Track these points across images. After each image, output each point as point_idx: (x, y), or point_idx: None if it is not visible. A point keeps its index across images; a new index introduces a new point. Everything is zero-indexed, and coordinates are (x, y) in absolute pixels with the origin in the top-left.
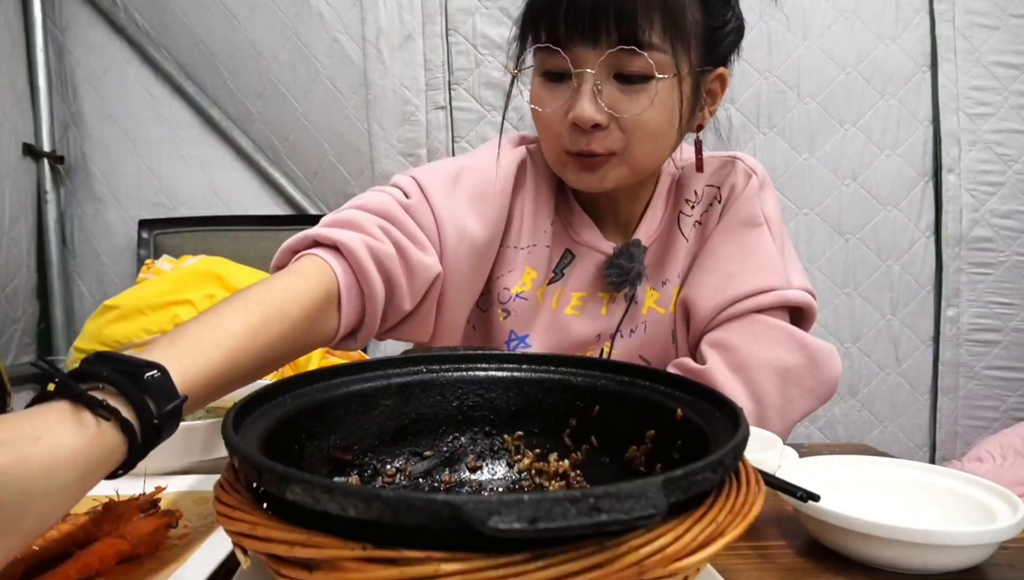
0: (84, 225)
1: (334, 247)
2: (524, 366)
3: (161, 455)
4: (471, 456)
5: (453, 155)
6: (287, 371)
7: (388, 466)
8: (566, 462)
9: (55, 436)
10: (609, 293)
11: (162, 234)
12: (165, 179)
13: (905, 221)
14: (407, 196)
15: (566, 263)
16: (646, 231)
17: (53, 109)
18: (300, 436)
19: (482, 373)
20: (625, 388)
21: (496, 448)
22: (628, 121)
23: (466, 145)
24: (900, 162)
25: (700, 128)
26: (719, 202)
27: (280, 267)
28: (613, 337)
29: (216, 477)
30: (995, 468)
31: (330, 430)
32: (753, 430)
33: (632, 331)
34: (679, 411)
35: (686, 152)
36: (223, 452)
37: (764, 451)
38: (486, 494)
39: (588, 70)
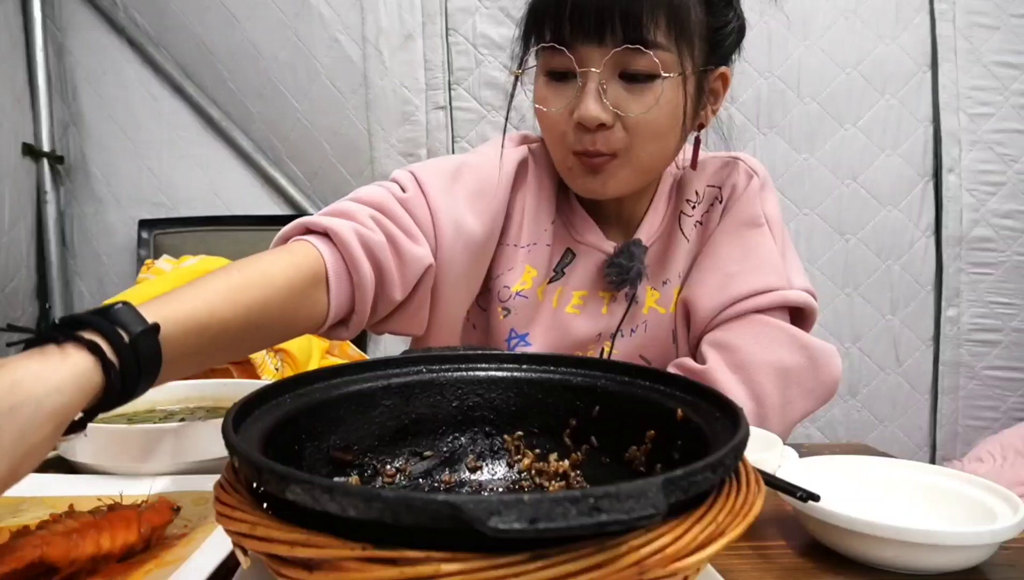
0: (84, 225)
1: (324, 234)
2: (524, 366)
3: (161, 455)
4: (471, 456)
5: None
6: (287, 372)
7: (388, 466)
8: (566, 462)
9: (15, 364)
10: (610, 292)
11: (162, 234)
12: (165, 179)
13: (905, 221)
14: (404, 190)
15: (567, 262)
16: (647, 231)
17: (53, 109)
18: (300, 436)
19: (482, 373)
20: (625, 388)
21: (496, 448)
22: (633, 120)
23: (466, 145)
24: (900, 162)
25: (702, 127)
26: (720, 202)
27: None
28: (614, 336)
29: (216, 477)
30: (995, 468)
31: (330, 430)
32: (753, 430)
33: (633, 331)
34: (679, 411)
35: (688, 152)
36: (223, 452)
37: (764, 451)
38: (486, 494)
39: (593, 69)
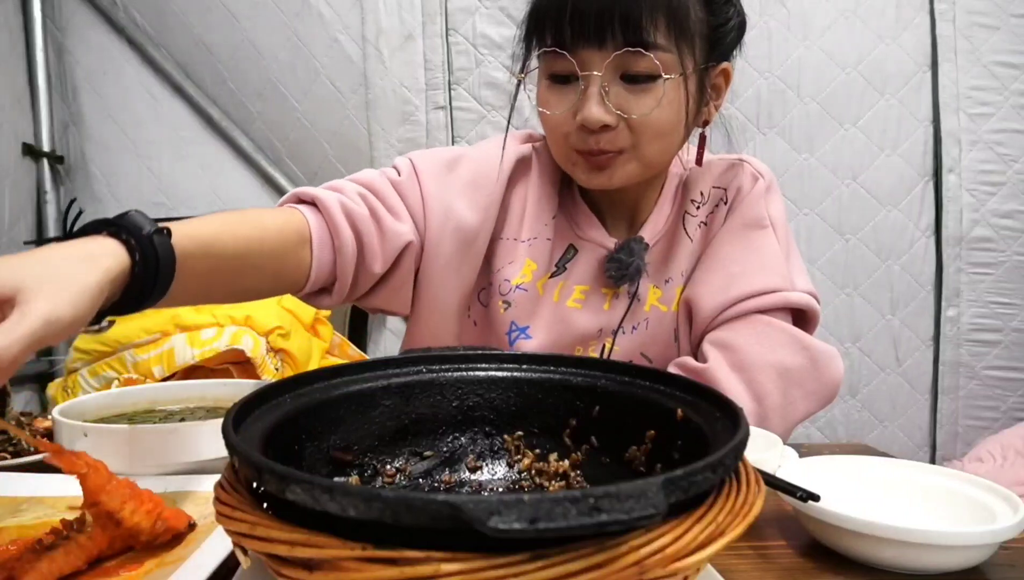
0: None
1: (312, 203)
2: (524, 366)
3: (161, 455)
4: (471, 456)
5: None
6: (287, 372)
7: (388, 466)
8: (566, 462)
9: (69, 243)
10: (612, 289)
11: None
12: (165, 179)
13: (905, 221)
14: (399, 174)
15: (569, 258)
16: (651, 230)
17: (53, 109)
18: (300, 436)
19: (482, 373)
20: (625, 388)
21: (496, 448)
22: (636, 121)
23: (466, 145)
24: (900, 162)
25: (706, 123)
26: (725, 204)
27: None
28: (615, 333)
29: (216, 477)
30: (995, 468)
31: (330, 430)
32: (753, 430)
33: (634, 328)
34: (679, 411)
35: (692, 151)
36: (223, 452)
37: (764, 451)
38: (486, 494)
39: (595, 72)
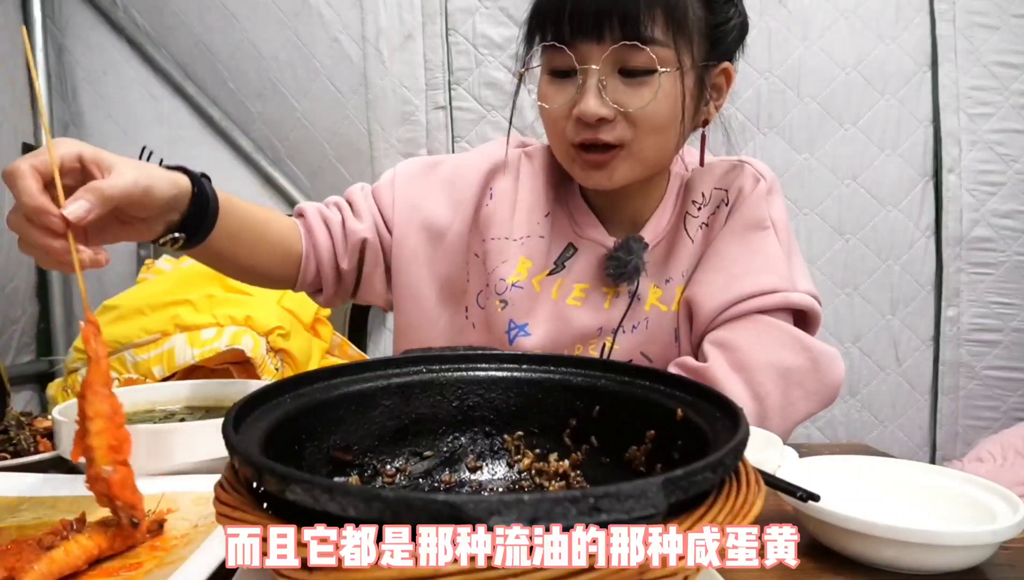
0: None
1: (301, 214)
2: (524, 366)
3: (161, 455)
4: (471, 456)
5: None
6: (287, 372)
7: (388, 466)
8: (566, 462)
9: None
10: (612, 288)
11: None
12: None
13: (905, 221)
14: (384, 181)
15: (568, 256)
16: (653, 230)
17: (53, 109)
18: (300, 436)
19: (482, 373)
20: (625, 388)
21: (496, 448)
22: (633, 114)
23: (466, 145)
24: (900, 162)
25: (706, 123)
26: (726, 205)
27: None
28: (615, 332)
29: (216, 477)
30: (995, 468)
31: (330, 430)
32: (753, 430)
33: (634, 327)
34: (679, 411)
35: (696, 156)
36: (223, 452)
37: (764, 451)
38: (486, 494)
39: (592, 66)
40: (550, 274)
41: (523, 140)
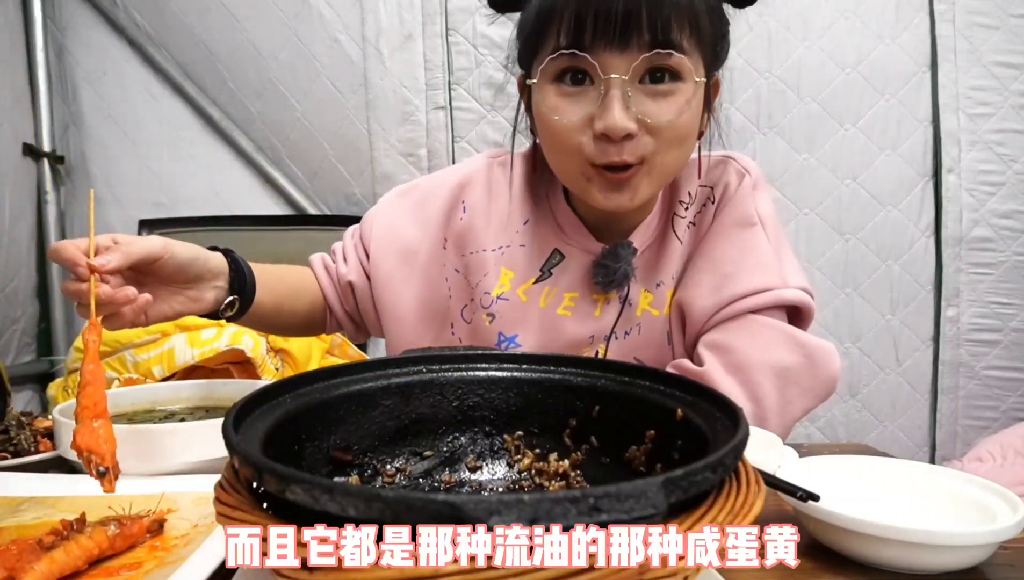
0: (84, 225)
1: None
2: (524, 366)
3: (161, 455)
4: (471, 456)
5: (453, 155)
6: (287, 372)
7: (388, 466)
8: (566, 462)
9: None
10: (602, 295)
11: (162, 234)
12: (165, 179)
13: (905, 221)
14: (364, 218)
15: (554, 263)
16: (641, 234)
17: (53, 109)
18: (300, 436)
19: (482, 373)
20: (625, 388)
21: (496, 448)
22: (657, 128)
23: (466, 145)
24: (900, 162)
25: (701, 134)
26: (712, 203)
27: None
28: (608, 339)
29: (216, 477)
30: (995, 468)
31: (330, 430)
32: (753, 430)
33: (627, 333)
34: (679, 411)
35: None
36: (223, 452)
37: (764, 451)
38: (486, 494)
39: (615, 76)
40: (536, 282)
41: (494, 152)
